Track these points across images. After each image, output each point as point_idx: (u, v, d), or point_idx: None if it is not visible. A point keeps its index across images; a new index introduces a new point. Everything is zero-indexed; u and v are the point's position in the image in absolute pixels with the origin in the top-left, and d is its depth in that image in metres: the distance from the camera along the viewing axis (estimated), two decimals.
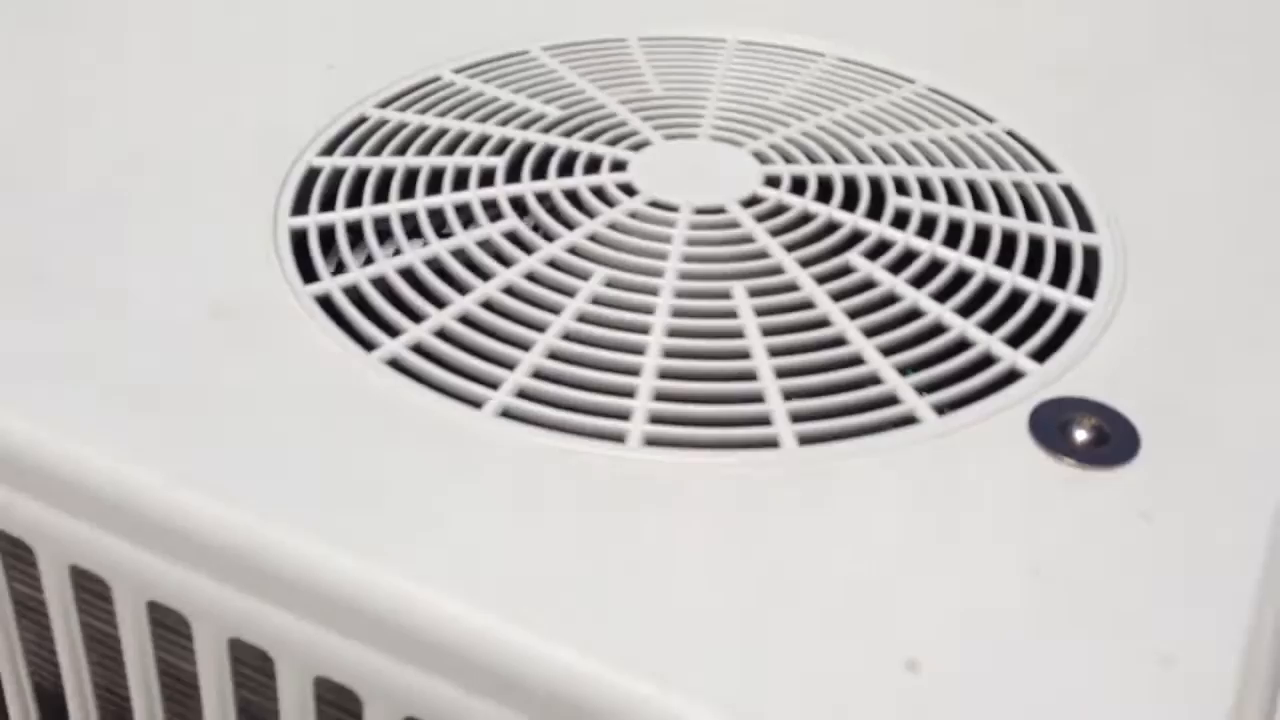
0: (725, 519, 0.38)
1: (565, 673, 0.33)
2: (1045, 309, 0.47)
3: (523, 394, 0.42)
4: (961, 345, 0.45)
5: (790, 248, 0.49)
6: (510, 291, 0.47)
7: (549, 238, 0.49)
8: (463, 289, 0.47)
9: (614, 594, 0.35)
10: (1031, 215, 0.52)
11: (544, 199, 0.51)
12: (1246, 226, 0.52)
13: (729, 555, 0.36)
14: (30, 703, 0.46)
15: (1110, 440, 0.41)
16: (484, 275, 0.47)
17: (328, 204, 0.51)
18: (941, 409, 0.43)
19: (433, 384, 0.42)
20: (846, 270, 0.49)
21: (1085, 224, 0.51)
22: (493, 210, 0.51)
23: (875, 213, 0.51)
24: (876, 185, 0.53)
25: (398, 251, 0.49)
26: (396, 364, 0.43)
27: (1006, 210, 0.52)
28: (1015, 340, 0.46)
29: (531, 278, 0.47)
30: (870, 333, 0.46)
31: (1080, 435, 0.41)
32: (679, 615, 0.34)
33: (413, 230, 0.50)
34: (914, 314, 0.47)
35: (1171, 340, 0.46)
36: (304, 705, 0.37)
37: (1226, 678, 0.33)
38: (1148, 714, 0.33)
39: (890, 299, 0.47)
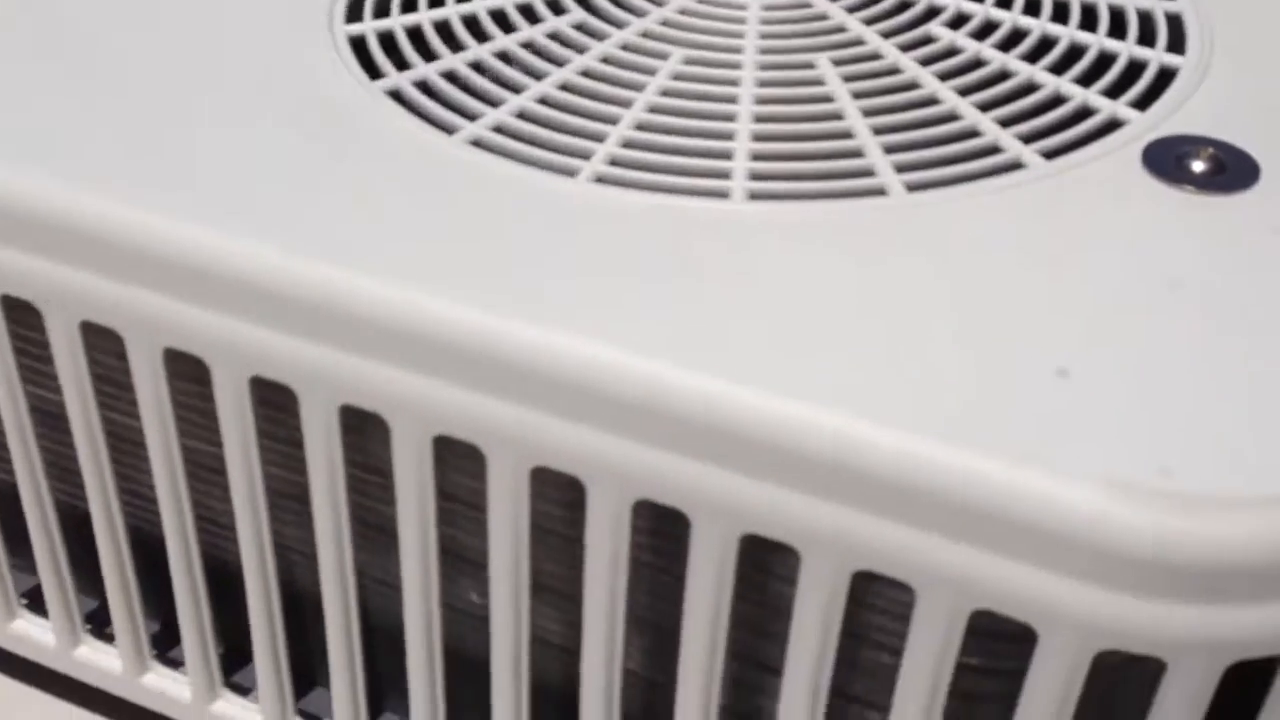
0: (852, 258, 0.36)
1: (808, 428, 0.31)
2: (1136, 67, 0.46)
3: (616, 162, 0.41)
4: (1058, 100, 0.44)
5: (869, 21, 0.48)
6: (587, 74, 0.45)
7: (618, 27, 0.48)
8: (538, 75, 0.45)
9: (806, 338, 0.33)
10: None
11: None
12: None
13: (870, 292, 0.35)
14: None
15: (1228, 169, 0.40)
16: (558, 63, 0.46)
17: (382, 12, 0.49)
18: (1049, 154, 0.41)
19: (521, 158, 0.41)
20: (929, 39, 0.47)
21: None
22: (556, 7, 0.49)
23: None
24: None
25: (462, 49, 0.47)
26: (480, 144, 0.41)
27: None
28: (1112, 93, 0.44)
29: (607, 61, 0.46)
30: (963, 92, 0.44)
31: (1198, 166, 0.40)
32: (857, 352, 0.33)
33: (476, 34, 0.48)
34: (1004, 75, 0.45)
35: (1272, 83, 0.45)
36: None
37: None
38: None
39: (978, 63, 0.46)
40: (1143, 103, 0.44)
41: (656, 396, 0.32)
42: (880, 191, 0.39)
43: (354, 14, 0.48)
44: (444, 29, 0.48)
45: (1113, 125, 0.42)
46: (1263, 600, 0.30)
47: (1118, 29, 0.48)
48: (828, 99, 0.43)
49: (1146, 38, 0.47)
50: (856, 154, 0.41)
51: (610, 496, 0.34)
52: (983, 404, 0.32)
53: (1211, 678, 0.31)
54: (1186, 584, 0.29)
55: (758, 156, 0.41)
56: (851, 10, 0.48)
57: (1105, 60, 0.46)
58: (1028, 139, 0.42)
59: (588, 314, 0.34)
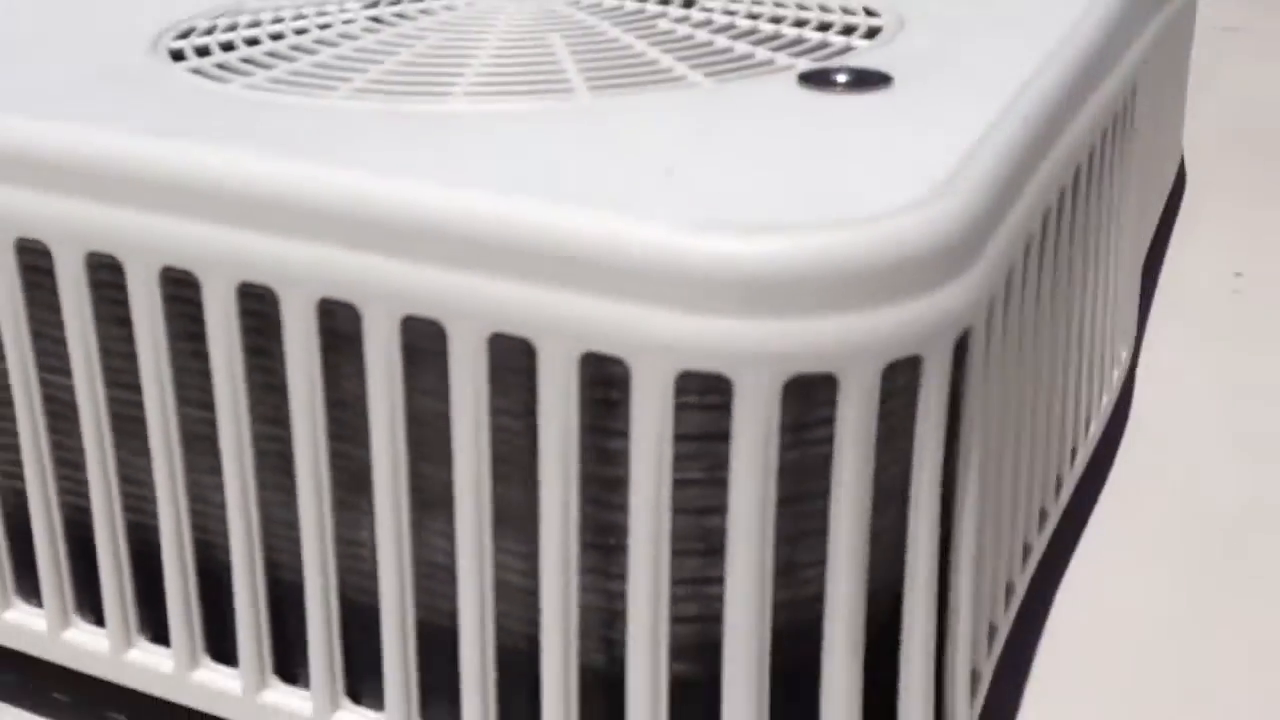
0: (534, 127, 0.44)
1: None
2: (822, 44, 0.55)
3: (365, 89, 0.49)
4: (747, 56, 0.53)
5: (603, 14, 0.57)
6: (360, 50, 0.54)
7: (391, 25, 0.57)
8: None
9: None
10: None
11: None
12: None
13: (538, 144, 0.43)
14: None
15: (865, 81, 0.48)
16: (338, 48, 0.55)
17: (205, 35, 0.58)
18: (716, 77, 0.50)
19: (295, 90, 0.49)
20: (655, 28, 0.56)
21: None
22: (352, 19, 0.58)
23: None
24: None
25: (258, 43, 0.56)
26: (256, 89, 0.50)
27: None
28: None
29: (376, 38, 0.55)
30: (667, 51, 0.53)
31: (840, 78, 0.48)
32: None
33: (274, 36, 0.57)
34: (709, 44, 0.54)
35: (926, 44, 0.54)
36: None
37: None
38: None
39: (689, 36, 0.55)
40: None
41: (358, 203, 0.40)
42: (569, 92, 0.48)
43: (181, 36, 0.58)
44: (251, 41, 0.57)
45: (785, 69, 0.51)
46: (810, 315, 0.36)
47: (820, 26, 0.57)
48: (550, 52, 0.52)
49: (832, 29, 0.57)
50: (559, 76, 0.49)
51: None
52: (598, 185, 0.39)
53: (774, 394, 0.37)
54: (741, 300, 0.36)
55: (480, 79, 0.49)
56: (589, 9, 0.58)
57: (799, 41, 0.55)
58: (705, 71, 0.50)
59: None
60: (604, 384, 0.39)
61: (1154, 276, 0.90)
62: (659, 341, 0.37)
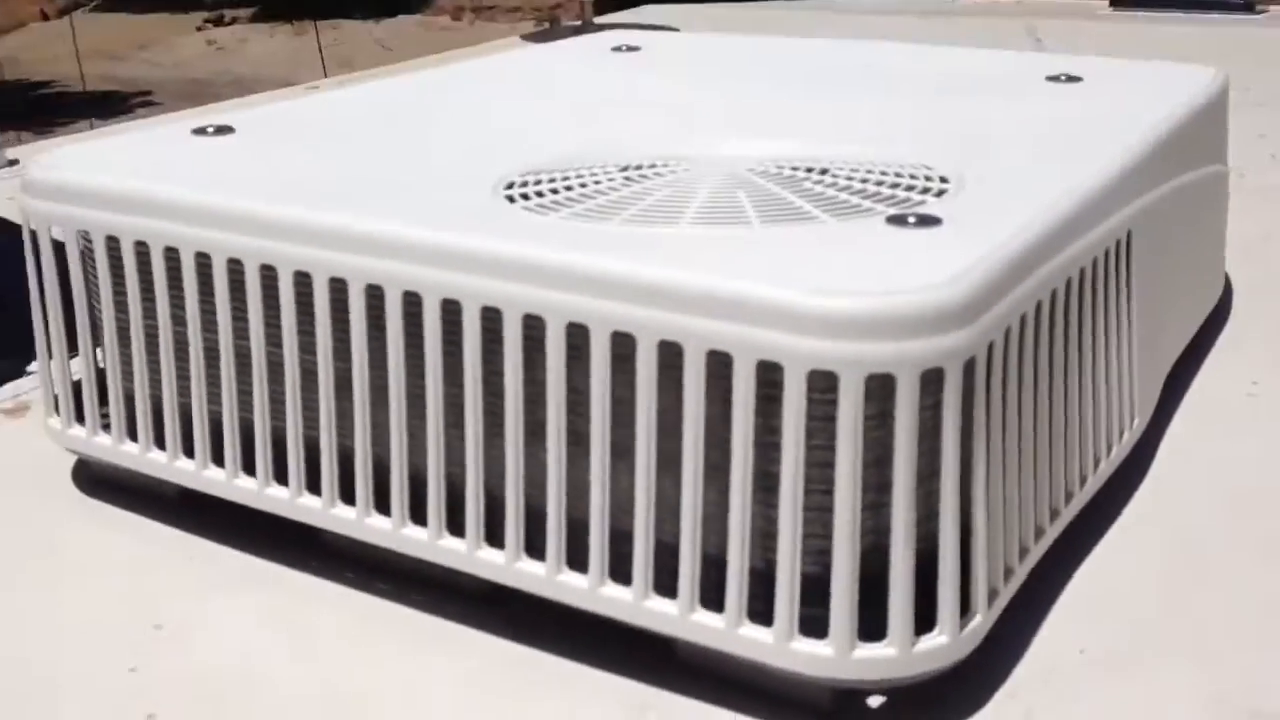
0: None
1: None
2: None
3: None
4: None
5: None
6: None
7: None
8: None
9: None
10: None
11: None
12: None
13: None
14: None
15: (931, 222, 0.80)
16: None
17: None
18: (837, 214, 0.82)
19: None
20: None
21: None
22: None
23: None
24: None
25: None
26: None
27: None
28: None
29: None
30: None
31: (911, 219, 0.80)
32: None
33: None
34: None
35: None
36: None
37: None
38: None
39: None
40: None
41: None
42: (749, 224, 0.80)
43: (508, 186, 0.92)
44: (553, 191, 0.91)
45: (879, 213, 0.83)
46: (879, 340, 0.68)
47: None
48: (737, 200, 0.85)
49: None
50: (743, 214, 0.82)
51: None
52: (770, 271, 0.71)
53: (859, 384, 0.68)
54: (844, 330, 0.68)
55: (696, 214, 0.82)
56: (761, 175, 0.91)
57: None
58: (830, 213, 0.83)
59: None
60: (768, 384, 0.71)
61: (1185, 383, 1.17)
62: (801, 353, 0.69)
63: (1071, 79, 1.22)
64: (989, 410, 0.74)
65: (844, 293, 0.69)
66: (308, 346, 0.87)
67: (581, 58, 1.44)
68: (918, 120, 1.09)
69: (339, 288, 0.84)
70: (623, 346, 0.75)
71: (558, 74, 1.36)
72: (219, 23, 19.52)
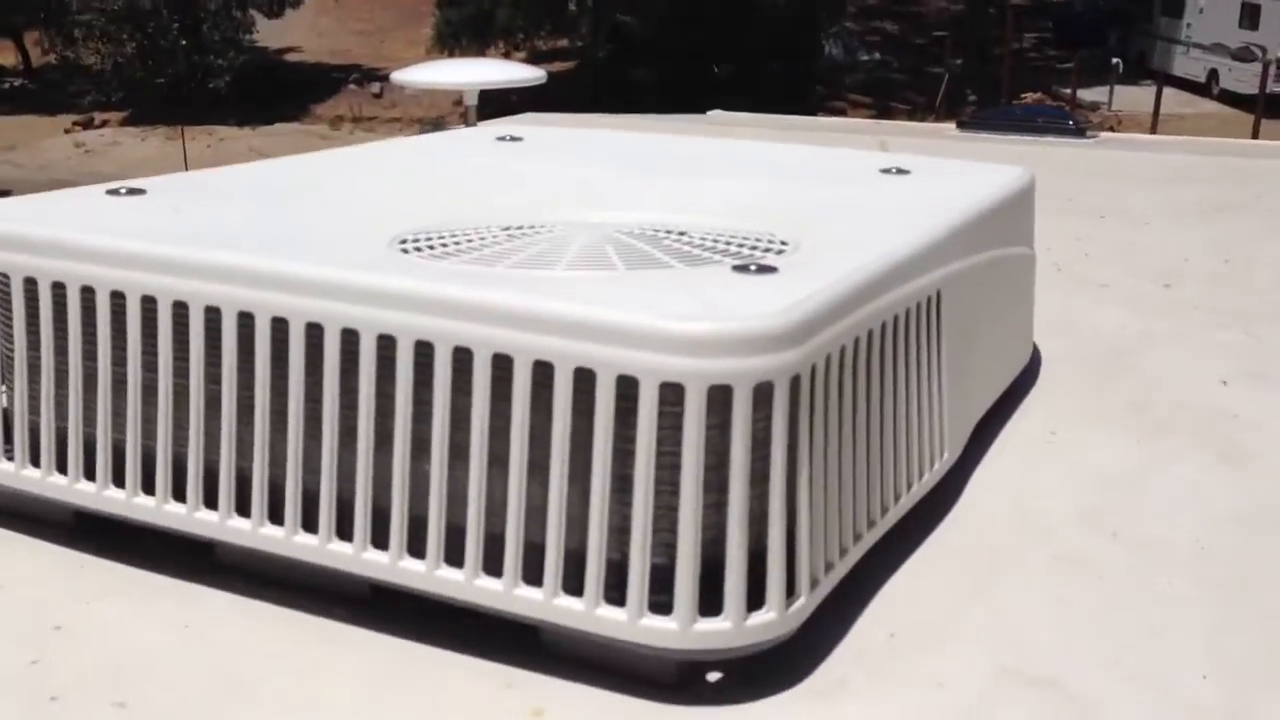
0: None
1: None
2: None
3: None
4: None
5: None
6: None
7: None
8: None
9: None
10: None
11: None
12: None
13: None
14: None
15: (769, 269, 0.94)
16: None
17: None
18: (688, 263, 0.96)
19: None
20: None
21: None
22: None
23: None
24: None
25: None
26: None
27: None
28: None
29: None
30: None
31: (752, 268, 0.94)
32: None
33: None
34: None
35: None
36: None
37: None
38: None
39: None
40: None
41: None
42: (614, 269, 0.94)
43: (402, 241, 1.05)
44: (444, 244, 1.04)
45: (725, 263, 0.97)
46: (721, 357, 0.81)
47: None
48: (605, 251, 0.99)
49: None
50: (610, 262, 0.96)
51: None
52: (631, 301, 0.85)
53: (702, 393, 0.81)
54: (691, 348, 0.81)
55: (571, 261, 0.95)
56: (627, 234, 1.05)
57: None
58: (683, 262, 0.96)
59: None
60: (625, 398, 0.84)
61: (995, 429, 1.33)
62: (655, 368, 0.82)
63: (901, 171, 1.40)
64: (812, 423, 0.88)
65: (691, 317, 0.83)
66: (212, 376, 0.97)
67: (469, 143, 1.58)
68: (766, 200, 1.25)
69: (246, 322, 0.95)
70: (501, 368, 0.87)
71: (447, 155, 1.49)
72: (88, 125, 19.41)
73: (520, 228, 1.09)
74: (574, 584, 0.87)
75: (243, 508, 0.97)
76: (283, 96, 18.79)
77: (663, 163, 1.45)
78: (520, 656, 0.91)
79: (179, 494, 0.99)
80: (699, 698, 0.88)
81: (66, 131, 18.16)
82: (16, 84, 20.26)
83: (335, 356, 0.92)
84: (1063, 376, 1.51)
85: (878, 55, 20.66)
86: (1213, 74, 19.08)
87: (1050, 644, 0.95)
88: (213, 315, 0.96)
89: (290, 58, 21.30)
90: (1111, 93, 18.33)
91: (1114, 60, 18.69)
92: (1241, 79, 18.15)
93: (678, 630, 0.85)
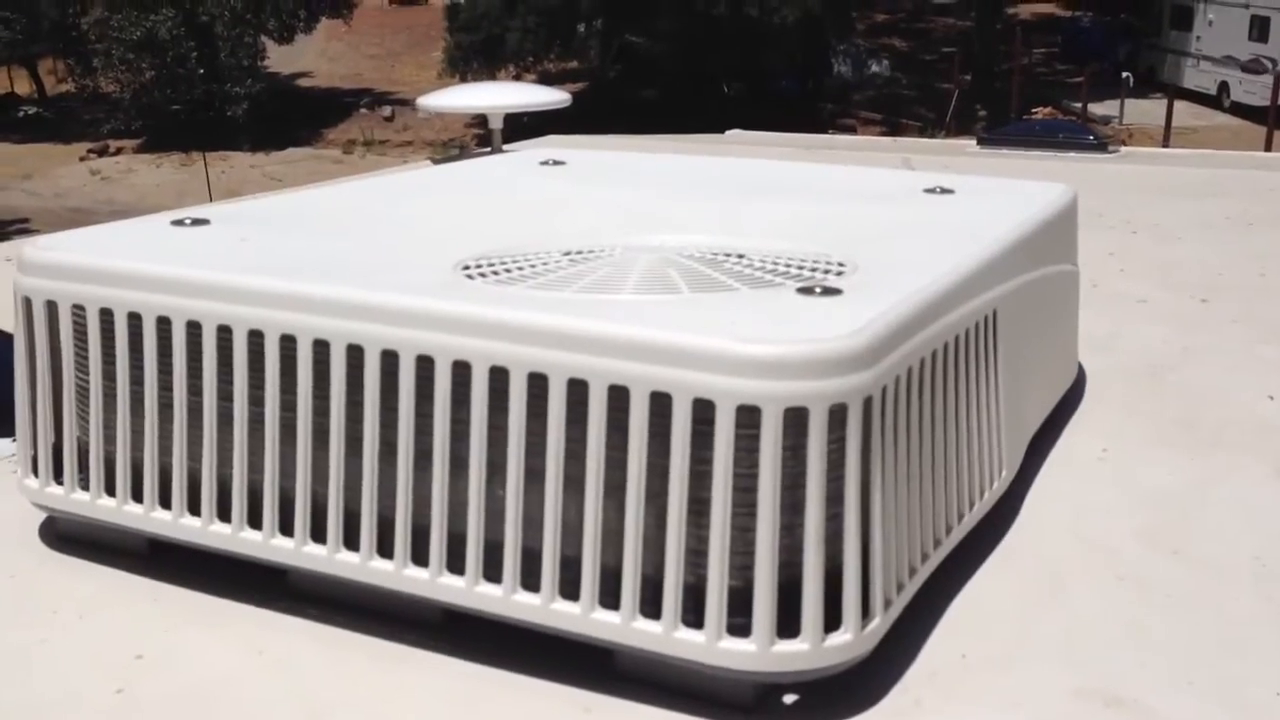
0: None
1: None
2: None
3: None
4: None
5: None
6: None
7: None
8: None
9: None
10: None
11: None
12: None
13: None
14: None
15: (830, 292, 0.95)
16: None
17: None
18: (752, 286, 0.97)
19: None
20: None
21: None
22: None
23: None
24: None
25: None
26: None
27: None
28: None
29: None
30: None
31: (817, 290, 0.95)
32: None
33: None
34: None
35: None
36: None
37: None
38: None
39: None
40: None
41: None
42: (680, 292, 0.95)
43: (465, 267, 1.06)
44: (508, 270, 1.05)
45: (789, 286, 0.98)
46: (796, 379, 0.82)
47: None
48: (669, 275, 1.00)
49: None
50: (675, 285, 0.97)
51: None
52: (700, 325, 0.86)
53: (779, 416, 0.82)
54: (767, 371, 0.82)
55: (635, 286, 0.97)
56: (689, 258, 1.06)
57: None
58: (747, 285, 0.98)
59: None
60: (701, 420, 0.85)
61: (1046, 447, 1.34)
62: (732, 391, 0.83)
63: (945, 190, 1.41)
64: (884, 443, 0.89)
65: (766, 340, 0.84)
66: (287, 404, 0.99)
67: (515, 168, 1.59)
68: (816, 221, 1.26)
69: (321, 350, 0.96)
70: (577, 393, 0.88)
71: (496, 180, 1.51)
72: (104, 153, 19.55)
73: (580, 252, 1.11)
74: (651, 607, 0.88)
75: (318, 534, 0.99)
76: (295, 122, 18.91)
77: (706, 185, 1.47)
78: (595, 681, 0.91)
79: (255, 521, 1.01)
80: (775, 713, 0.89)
81: (81, 159, 18.29)
82: (31, 112, 20.42)
83: (411, 383, 0.93)
84: (1108, 393, 1.52)
85: (887, 63, 20.68)
86: (1223, 86, 19.12)
87: (1124, 663, 0.96)
88: (288, 344, 0.97)
89: (302, 83, 21.44)
90: (1122, 106, 18.34)
91: (1124, 74, 18.75)
92: (1252, 91, 18.18)
93: (756, 652, 0.86)
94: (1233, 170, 3.24)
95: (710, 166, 1.59)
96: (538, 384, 0.89)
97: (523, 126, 3.99)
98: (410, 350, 0.93)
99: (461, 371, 0.92)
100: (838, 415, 0.85)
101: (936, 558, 1.00)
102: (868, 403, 0.86)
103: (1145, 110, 18.21)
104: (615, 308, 0.93)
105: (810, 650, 0.86)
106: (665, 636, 0.87)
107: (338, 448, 0.97)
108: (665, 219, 1.28)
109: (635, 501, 0.88)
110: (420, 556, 0.95)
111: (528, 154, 1.67)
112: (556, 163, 1.60)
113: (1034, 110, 17.95)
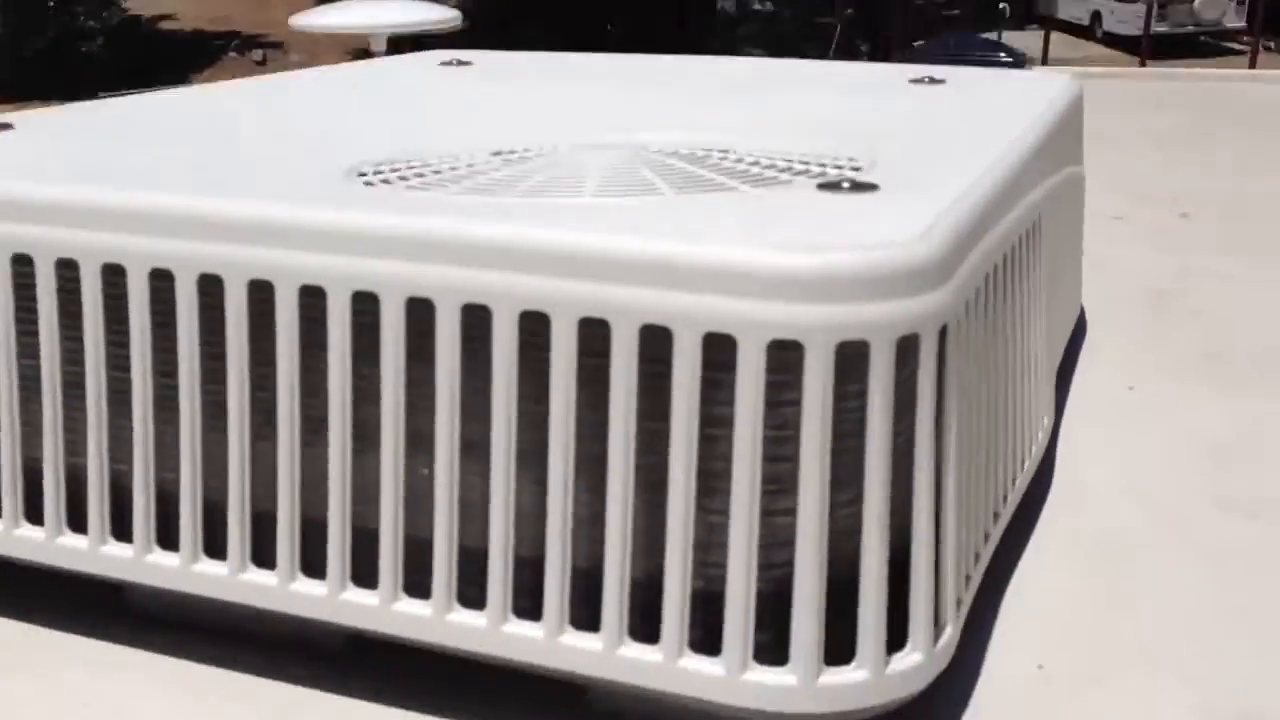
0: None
1: None
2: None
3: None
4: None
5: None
6: None
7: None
8: None
9: None
10: None
11: None
12: None
13: None
14: None
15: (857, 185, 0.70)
16: None
17: None
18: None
19: None
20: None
21: None
22: None
23: None
24: None
25: None
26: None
27: None
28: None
29: None
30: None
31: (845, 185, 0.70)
32: None
33: None
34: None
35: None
36: None
37: None
38: None
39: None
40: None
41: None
42: (662, 194, 0.69)
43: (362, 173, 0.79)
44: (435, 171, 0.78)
45: (804, 184, 0.73)
46: (849, 302, 0.57)
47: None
48: (642, 174, 0.74)
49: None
50: (653, 186, 0.71)
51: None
52: (698, 231, 0.60)
53: (830, 352, 0.57)
54: (808, 292, 0.57)
55: (598, 188, 0.71)
56: (656, 154, 0.80)
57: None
58: (748, 184, 0.72)
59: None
60: (714, 365, 0.60)
61: (1066, 387, 1.12)
62: (759, 320, 0.58)
63: (935, 80, 1.17)
64: (960, 390, 0.64)
65: (806, 247, 0.59)
66: (117, 361, 0.71)
67: (412, 68, 1.31)
68: (802, 115, 1.01)
69: (162, 284, 0.69)
70: (533, 332, 0.62)
71: (391, 82, 1.23)
72: None
73: (514, 152, 0.84)
74: (644, 627, 0.63)
75: (166, 538, 0.71)
76: (158, 67, 18.00)
77: (657, 83, 1.20)
78: None
79: (77, 522, 0.73)
80: None
81: None
82: None
83: (292, 325, 0.67)
84: (1113, 320, 1.30)
85: (770, 4, 20.47)
86: (1096, 16, 19.20)
87: (1243, 667, 0.73)
88: (114, 276, 0.70)
89: (165, 26, 20.41)
90: (1000, 38, 18.35)
91: (1001, 5, 18.74)
92: (1124, 20, 18.28)
93: (796, 686, 0.61)
94: (1165, 83, 3.07)
95: (654, 64, 1.32)
96: (476, 320, 0.63)
97: None
98: (291, 280, 0.66)
99: (365, 306, 0.65)
100: (907, 351, 0.60)
101: (996, 535, 0.77)
102: (943, 333, 0.62)
103: (1023, 41, 18.20)
104: (578, 214, 0.67)
105: (870, 679, 0.62)
106: (665, 667, 0.63)
107: (191, 417, 0.70)
108: (616, 118, 1.02)
109: (620, 481, 0.62)
110: (313, 564, 0.69)
111: (427, 56, 1.39)
112: (461, 63, 1.32)
113: (914, 43, 17.88)
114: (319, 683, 0.71)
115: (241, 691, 0.70)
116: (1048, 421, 0.92)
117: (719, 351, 0.59)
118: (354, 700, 0.69)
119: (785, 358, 0.59)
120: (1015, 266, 0.78)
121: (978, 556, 0.72)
